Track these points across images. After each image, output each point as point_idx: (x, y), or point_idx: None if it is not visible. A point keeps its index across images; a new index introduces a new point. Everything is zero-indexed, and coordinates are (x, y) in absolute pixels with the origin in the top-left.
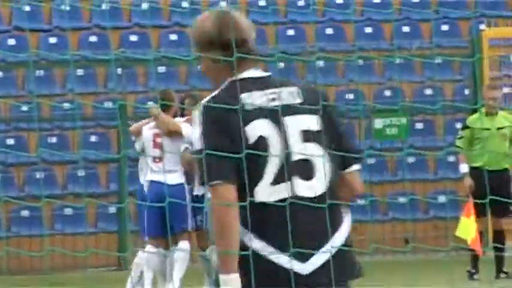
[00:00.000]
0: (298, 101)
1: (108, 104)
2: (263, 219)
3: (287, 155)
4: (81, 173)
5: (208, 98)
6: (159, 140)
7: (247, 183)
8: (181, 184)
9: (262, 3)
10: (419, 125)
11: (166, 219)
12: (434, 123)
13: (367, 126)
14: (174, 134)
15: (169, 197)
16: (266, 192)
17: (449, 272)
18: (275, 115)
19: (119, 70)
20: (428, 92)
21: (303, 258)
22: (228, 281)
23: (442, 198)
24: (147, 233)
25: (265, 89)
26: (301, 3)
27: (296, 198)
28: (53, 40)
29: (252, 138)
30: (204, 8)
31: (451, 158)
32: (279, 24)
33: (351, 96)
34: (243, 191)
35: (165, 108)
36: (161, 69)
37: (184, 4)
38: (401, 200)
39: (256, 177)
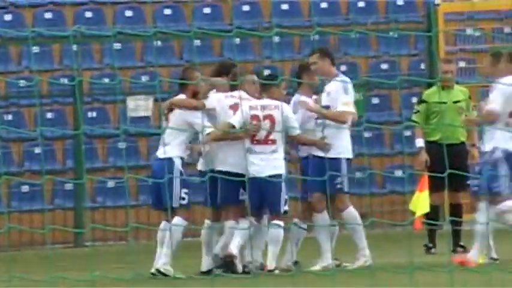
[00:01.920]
0: None
1: (64, 81)
2: None
3: None
4: (37, 150)
5: None
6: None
7: None
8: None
9: None
10: (375, 100)
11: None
12: (391, 98)
13: None
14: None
15: (156, 171)
16: None
17: (406, 246)
18: None
19: (75, 47)
20: (384, 66)
21: None
22: None
23: (398, 173)
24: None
25: None
26: None
27: None
28: (8, 17)
29: None
30: None
31: (408, 133)
32: (235, 1)
33: None
34: None
35: (182, 87)
36: (117, 45)
37: None
38: (358, 174)
39: None
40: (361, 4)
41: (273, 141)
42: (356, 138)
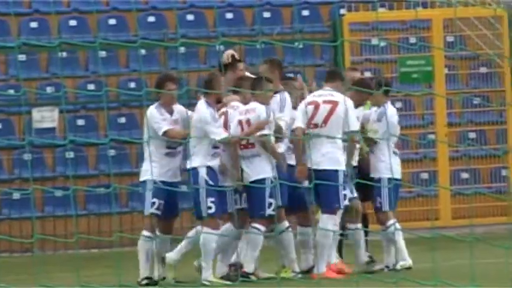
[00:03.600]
0: None
1: None
2: None
3: None
4: None
5: None
6: None
7: None
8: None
9: None
10: None
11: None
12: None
13: None
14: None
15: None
16: None
17: (313, 256)
18: None
19: None
20: (290, 76)
21: None
22: None
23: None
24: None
25: None
26: None
27: None
28: None
29: None
30: None
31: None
32: (140, 11)
33: None
34: None
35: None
36: (22, 57)
37: None
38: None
39: None
40: (266, 14)
41: (252, 145)
42: None
